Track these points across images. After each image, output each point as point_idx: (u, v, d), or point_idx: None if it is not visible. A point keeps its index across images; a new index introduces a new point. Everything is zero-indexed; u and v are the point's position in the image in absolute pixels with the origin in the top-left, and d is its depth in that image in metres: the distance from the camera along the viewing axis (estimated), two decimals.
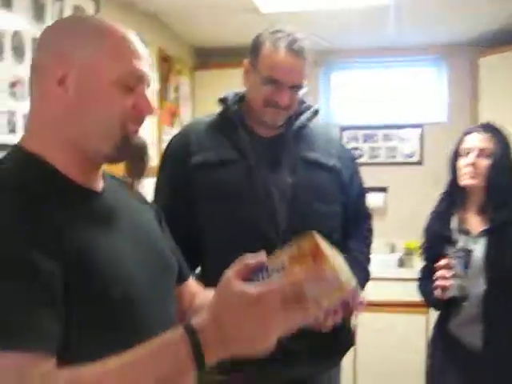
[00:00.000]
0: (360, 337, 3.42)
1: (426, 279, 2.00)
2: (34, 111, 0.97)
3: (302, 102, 1.81)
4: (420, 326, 3.42)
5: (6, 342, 0.76)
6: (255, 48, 1.67)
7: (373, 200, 3.98)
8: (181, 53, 3.83)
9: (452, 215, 2.05)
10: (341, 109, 4.35)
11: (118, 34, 0.95)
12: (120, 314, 0.90)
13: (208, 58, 4.24)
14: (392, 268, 3.77)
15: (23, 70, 2.08)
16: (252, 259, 0.84)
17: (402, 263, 3.82)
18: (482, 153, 1.98)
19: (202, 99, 3.94)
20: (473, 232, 1.97)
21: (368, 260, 1.85)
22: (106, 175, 1.08)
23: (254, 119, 1.72)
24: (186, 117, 3.86)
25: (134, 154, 1.01)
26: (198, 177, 1.66)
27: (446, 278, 1.84)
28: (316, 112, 1.80)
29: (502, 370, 1.89)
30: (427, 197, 4.03)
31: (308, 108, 1.80)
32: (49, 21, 2.28)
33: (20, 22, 2.11)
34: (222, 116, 1.77)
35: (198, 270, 1.74)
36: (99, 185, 1.02)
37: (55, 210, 0.88)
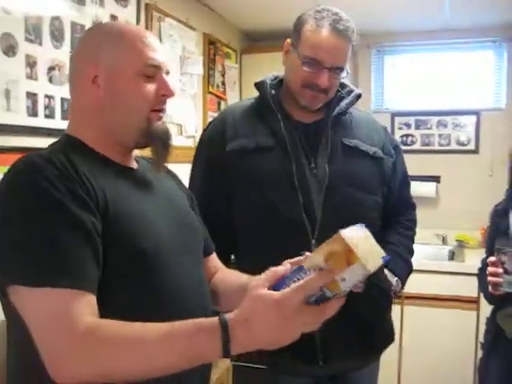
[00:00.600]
0: (406, 331, 3.32)
1: (484, 272, 1.91)
2: (73, 102, 1.13)
3: (343, 85, 1.73)
4: (470, 322, 3.27)
5: (56, 278, 0.89)
6: (297, 26, 1.60)
7: (424, 189, 3.86)
8: (228, 37, 3.77)
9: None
10: (393, 94, 4.20)
11: (133, 33, 1.10)
12: (150, 263, 1.01)
13: (256, 41, 4.17)
14: (442, 260, 3.63)
15: (62, 55, 2.07)
16: (281, 269, 0.96)
17: (453, 256, 3.67)
18: None
19: (250, 84, 3.84)
20: None
21: (410, 252, 1.76)
22: (140, 158, 1.24)
23: (291, 103, 1.65)
24: (233, 102, 3.79)
25: (158, 139, 1.14)
26: (232, 164, 1.61)
27: (497, 275, 1.74)
28: (358, 97, 1.71)
29: None
30: (482, 187, 3.92)
31: (349, 92, 1.72)
32: (89, 4, 2.25)
33: (60, 6, 2.09)
34: (259, 100, 1.71)
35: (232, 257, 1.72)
36: (134, 165, 1.18)
37: (93, 176, 1.01)
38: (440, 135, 4.01)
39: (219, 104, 3.62)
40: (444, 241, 3.86)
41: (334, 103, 1.66)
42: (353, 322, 1.50)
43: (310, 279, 0.85)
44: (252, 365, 1.58)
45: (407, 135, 4.07)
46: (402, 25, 3.86)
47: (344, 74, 1.60)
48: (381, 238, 1.66)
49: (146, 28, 2.73)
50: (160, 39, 2.84)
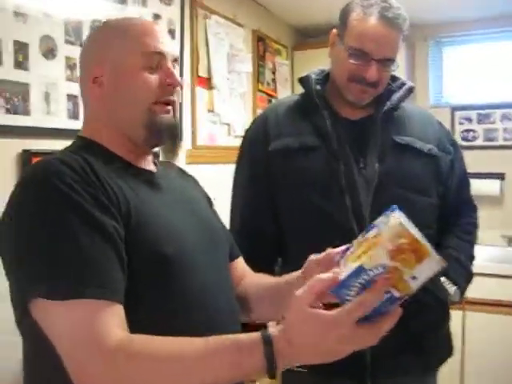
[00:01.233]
0: (468, 340, 3.13)
1: None
2: (84, 103, 1.10)
3: (394, 78, 1.60)
4: None
5: (80, 290, 0.83)
6: (343, 16, 1.49)
7: (488, 188, 3.64)
8: (278, 33, 3.68)
9: None
10: (452, 87, 3.98)
11: (136, 26, 1.06)
12: (175, 268, 0.95)
13: (308, 37, 4.06)
14: (508, 263, 3.40)
15: None
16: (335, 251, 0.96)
17: None
18: None
19: None
20: None
21: (470, 258, 1.62)
22: (158, 161, 1.17)
23: (338, 99, 1.54)
24: None
25: (162, 133, 1.05)
26: (276, 164, 1.53)
27: None
28: (410, 90, 1.58)
29: None
30: None
31: (401, 86, 1.59)
32: (131, 4, 2.21)
33: (101, 6, 2.05)
34: (304, 97, 1.61)
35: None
36: (151, 167, 1.12)
37: (114, 180, 0.96)
38: (504, 129, 3.77)
39: (270, 102, 3.53)
40: (509, 242, 3.63)
41: (384, 98, 1.54)
42: (406, 337, 1.38)
43: (370, 293, 0.76)
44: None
45: (468, 130, 3.85)
46: (459, 13, 3.65)
47: (394, 67, 1.48)
48: (438, 242, 1.53)
49: (191, 26, 2.67)
50: (206, 37, 2.78)
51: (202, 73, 2.77)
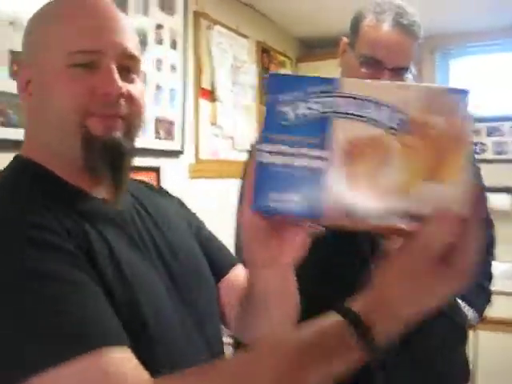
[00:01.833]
0: (480, 359, 3.02)
1: None
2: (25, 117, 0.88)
3: None
4: None
5: (85, 343, 0.67)
6: (354, 22, 1.41)
7: (498, 202, 3.55)
8: (283, 45, 3.62)
9: None
10: None
11: (69, 10, 0.81)
12: (150, 334, 0.77)
13: (312, 48, 4.01)
14: None
15: None
16: None
17: None
18: None
19: None
20: None
21: (488, 277, 1.53)
22: (134, 183, 0.97)
23: None
24: None
25: (98, 155, 0.80)
26: None
27: None
28: None
29: None
30: None
31: None
32: (132, 14, 2.15)
33: None
34: None
35: None
36: (112, 196, 0.87)
37: (78, 225, 0.77)
38: None
39: None
40: None
41: None
42: (419, 364, 1.29)
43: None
44: None
45: (477, 143, 3.77)
46: (466, 25, 3.59)
47: (409, 76, 1.40)
48: None
49: (195, 37, 2.61)
50: (209, 48, 2.72)
51: (206, 84, 2.70)
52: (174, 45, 2.42)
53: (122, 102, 0.80)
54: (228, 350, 1.00)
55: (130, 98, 0.81)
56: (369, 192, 0.57)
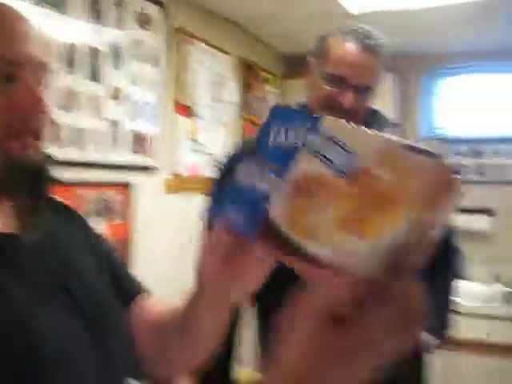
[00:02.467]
0: (451, 381, 3.01)
1: None
2: None
3: (373, 111, 1.53)
4: None
5: None
6: (320, 43, 1.43)
7: (477, 223, 3.56)
8: (267, 61, 3.63)
9: None
10: (444, 121, 3.93)
11: None
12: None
13: (299, 66, 4.01)
14: (496, 303, 3.30)
15: (74, 83, 1.98)
16: None
17: (509, 298, 3.34)
18: None
19: None
20: None
21: (447, 292, 1.53)
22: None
23: None
24: None
25: (19, 180, 0.73)
26: None
27: None
28: (395, 125, 1.51)
29: None
30: None
31: (380, 119, 1.52)
32: (106, 28, 2.15)
33: (76, 32, 2.00)
34: None
35: None
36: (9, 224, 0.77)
37: None
38: (494, 165, 3.72)
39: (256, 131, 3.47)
40: (498, 279, 3.53)
41: None
42: None
43: None
44: None
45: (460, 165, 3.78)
46: (452, 46, 3.62)
47: (373, 96, 1.41)
48: None
49: (175, 52, 2.61)
50: (189, 64, 2.72)
51: (184, 100, 2.70)
52: (153, 60, 2.43)
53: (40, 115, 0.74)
54: None
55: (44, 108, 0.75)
56: (298, 227, 0.57)
